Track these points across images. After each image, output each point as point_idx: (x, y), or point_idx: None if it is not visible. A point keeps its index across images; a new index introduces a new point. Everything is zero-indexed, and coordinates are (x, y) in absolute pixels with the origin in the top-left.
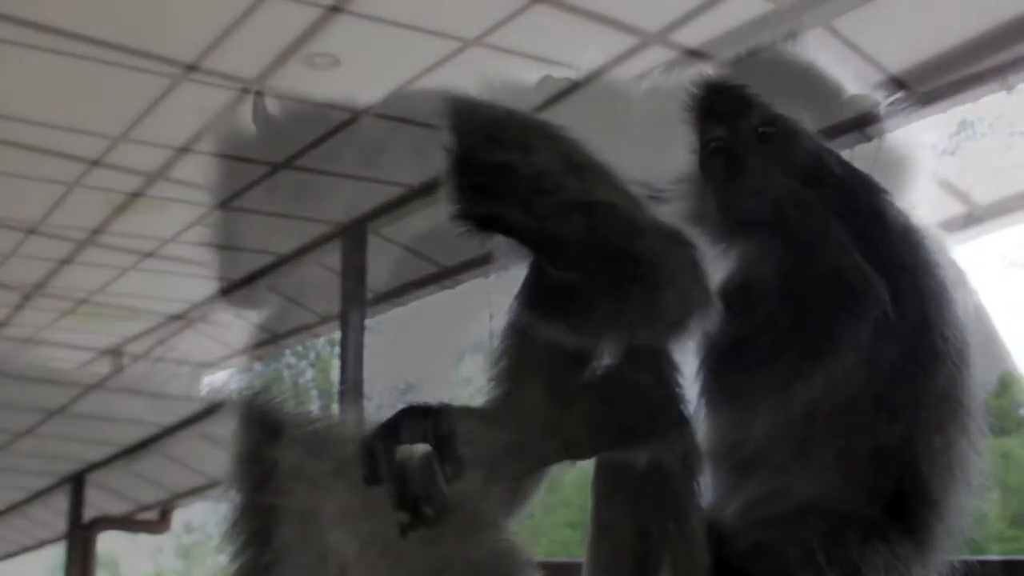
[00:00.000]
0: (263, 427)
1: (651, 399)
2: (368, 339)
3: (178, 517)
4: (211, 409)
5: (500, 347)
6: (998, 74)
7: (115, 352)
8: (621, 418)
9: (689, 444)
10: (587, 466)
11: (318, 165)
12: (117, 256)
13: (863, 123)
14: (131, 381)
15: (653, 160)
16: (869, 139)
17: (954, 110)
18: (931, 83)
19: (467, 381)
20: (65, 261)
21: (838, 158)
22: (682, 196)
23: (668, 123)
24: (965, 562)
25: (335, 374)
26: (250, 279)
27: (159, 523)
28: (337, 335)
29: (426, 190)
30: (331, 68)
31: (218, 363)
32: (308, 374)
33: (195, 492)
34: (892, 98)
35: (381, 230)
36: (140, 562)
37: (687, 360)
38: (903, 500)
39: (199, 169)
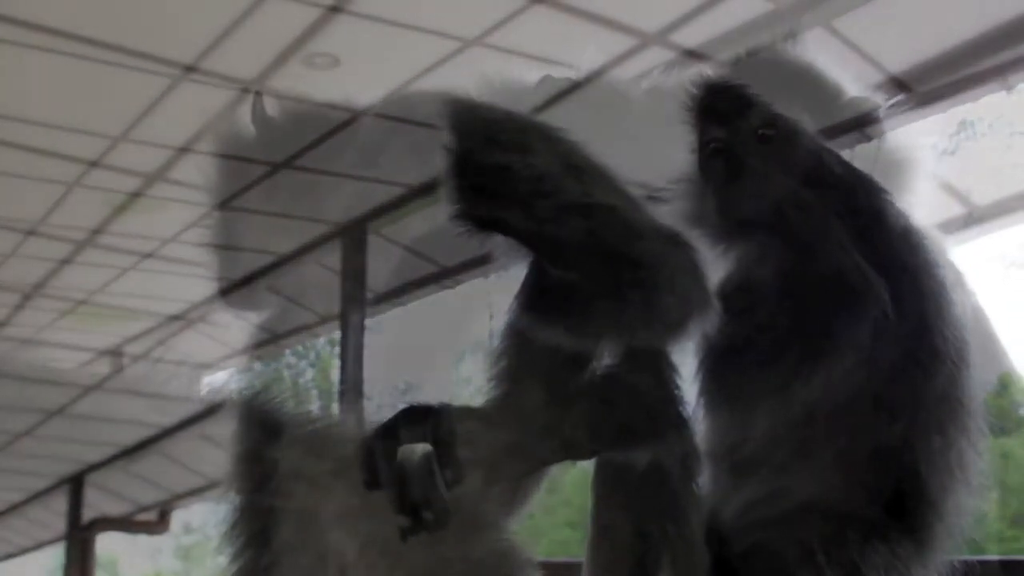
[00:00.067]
0: (263, 427)
1: (650, 400)
2: (368, 339)
3: (177, 518)
4: (211, 410)
5: (500, 347)
6: (998, 74)
7: (115, 353)
8: (620, 419)
9: (688, 445)
10: (587, 466)
11: (318, 165)
12: (116, 256)
13: (863, 123)
14: (130, 382)
15: (652, 160)
16: (869, 139)
17: (954, 110)
18: (931, 83)
19: (467, 381)
20: (65, 261)
21: (838, 158)
22: (681, 196)
23: (668, 123)
24: (965, 562)
25: (335, 374)
26: (250, 279)
27: (158, 524)
28: (337, 335)
29: (426, 190)
30: (331, 68)
31: (218, 363)
32: (308, 374)
33: (194, 493)
34: (892, 98)
35: (381, 230)
36: (139, 563)
37: (686, 361)
38: (903, 500)
39: (199, 169)
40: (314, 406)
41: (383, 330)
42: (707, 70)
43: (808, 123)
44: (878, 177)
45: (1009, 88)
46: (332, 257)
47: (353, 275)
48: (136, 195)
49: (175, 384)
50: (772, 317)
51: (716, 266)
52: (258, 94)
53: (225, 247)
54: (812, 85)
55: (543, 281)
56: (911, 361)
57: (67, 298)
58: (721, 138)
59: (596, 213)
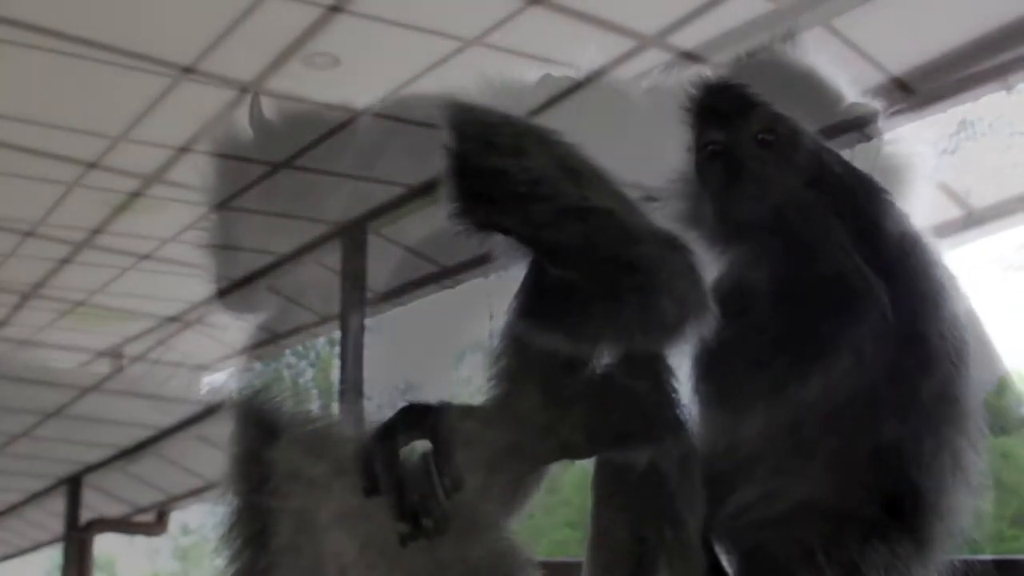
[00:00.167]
0: (261, 428)
1: (647, 404)
2: (368, 339)
3: (175, 519)
4: (209, 411)
5: (499, 347)
6: (998, 74)
7: (114, 353)
8: (617, 422)
9: (686, 448)
10: (587, 466)
11: (318, 165)
12: (115, 257)
13: (863, 123)
14: (129, 383)
15: (652, 160)
16: (869, 139)
17: (954, 110)
18: (931, 83)
19: (467, 381)
20: (65, 261)
21: (838, 158)
22: (678, 197)
23: (667, 123)
24: (965, 561)
25: (335, 374)
26: (249, 280)
27: (156, 525)
28: (337, 335)
29: (426, 190)
30: (331, 68)
31: (217, 364)
32: (308, 374)
33: (192, 494)
34: (892, 99)
35: (381, 230)
36: (137, 564)
37: (683, 363)
38: (903, 499)
39: (199, 170)
40: (314, 406)
41: (383, 330)
42: (707, 70)
43: (808, 123)
44: (878, 177)
45: (1009, 88)
46: (332, 257)
47: (353, 275)
48: (135, 195)
49: (173, 385)
50: (770, 318)
51: (714, 267)
52: (255, 95)
53: (224, 247)
54: (812, 85)
55: (542, 282)
56: (909, 361)
57: (66, 299)
58: (720, 140)
59: (593, 217)
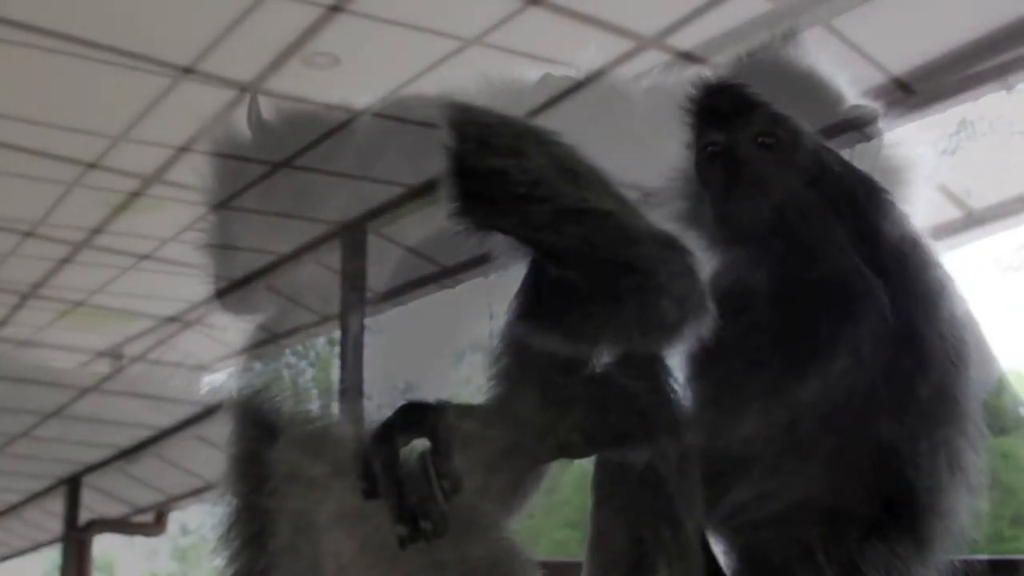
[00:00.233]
0: (260, 428)
1: (645, 404)
2: (368, 339)
3: (174, 520)
4: (208, 411)
5: (499, 347)
6: (998, 74)
7: (113, 354)
8: (615, 424)
9: (684, 449)
10: (587, 465)
11: (318, 165)
12: (115, 257)
13: (863, 123)
14: (128, 383)
15: (651, 161)
16: (869, 139)
17: (954, 110)
18: (931, 83)
19: (467, 381)
20: (64, 261)
21: (838, 158)
22: (678, 195)
23: (666, 124)
24: (965, 561)
25: (335, 374)
26: (248, 280)
27: (155, 525)
28: (337, 335)
29: (426, 190)
30: (331, 68)
31: (217, 364)
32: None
33: (191, 494)
34: (892, 98)
35: (381, 230)
36: (136, 565)
37: (681, 364)
38: (902, 499)
39: (199, 170)
40: (314, 406)
41: (383, 330)
42: (709, 71)
43: (808, 123)
44: (878, 177)
45: (1009, 88)
46: (332, 257)
47: (353, 275)
48: (135, 195)
49: (173, 385)
50: (769, 317)
51: (713, 266)
52: (253, 96)
53: (224, 247)
54: (812, 85)
55: (541, 283)
56: (907, 361)
57: (65, 299)
58: (720, 141)
59: (592, 218)
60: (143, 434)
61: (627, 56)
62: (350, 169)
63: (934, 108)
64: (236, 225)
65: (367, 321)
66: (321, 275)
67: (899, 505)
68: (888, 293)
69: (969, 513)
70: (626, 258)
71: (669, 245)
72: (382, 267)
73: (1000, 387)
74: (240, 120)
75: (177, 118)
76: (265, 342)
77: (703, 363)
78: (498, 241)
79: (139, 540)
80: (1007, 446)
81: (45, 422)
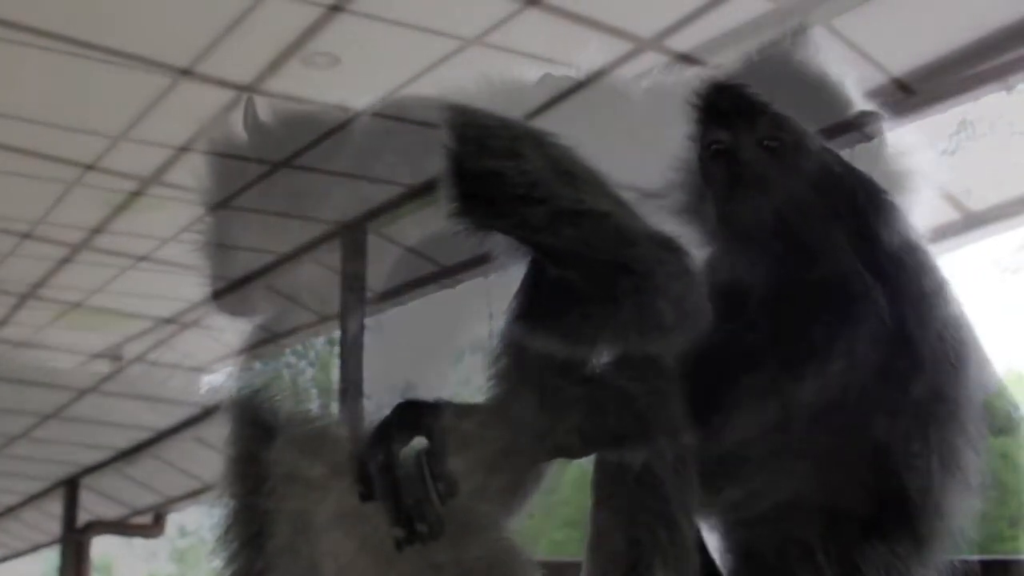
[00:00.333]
0: (258, 428)
1: (643, 405)
2: (368, 339)
3: (172, 521)
4: (207, 412)
5: (498, 347)
6: (998, 74)
7: (112, 354)
8: (613, 424)
9: (680, 451)
10: (586, 465)
11: (317, 164)
12: (114, 257)
13: (863, 124)
14: (127, 384)
15: (650, 161)
16: (869, 140)
17: (954, 110)
18: (931, 83)
19: (467, 381)
20: (64, 261)
21: (838, 159)
22: (680, 188)
23: (666, 125)
24: (965, 561)
25: (335, 374)
26: (247, 281)
27: (153, 527)
28: (337, 335)
29: (426, 190)
30: (331, 67)
31: (216, 364)
32: (308, 373)
33: (190, 496)
34: (892, 99)
35: (381, 230)
36: (134, 566)
37: (678, 363)
38: (902, 499)
39: (198, 171)
40: (313, 406)
41: (383, 330)
42: (712, 71)
43: (809, 123)
44: (878, 178)
45: (1009, 88)
46: (331, 257)
47: (353, 275)
48: (134, 195)
49: (172, 386)
50: (768, 318)
51: (712, 265)
52: (250, 98)
53: (222, 248)
54: (815, 85)
55: (540, 283)
56: (902, 361)
57: (64, 299)
58: (724, 140)
59: (589, 219)
60: (142, 435)
61: (626, 57)
62: (349, 169)
63: (934, 108)
64: (235, 225)
65: (366, 321)
66: (320, 275)
67: (895, 505)
68: (886, 295)
69: (969, 513)
70: (623, 259)
71: (666, 246)
72: (382, 267)
73: (999, 388)
74: (237, 122)
75: (176, 119)
76: (264, 342)
77: (700, 363)
78: (498, 241)
79: (137, 541)
80: (1006, 446)
81: (44, 423)
